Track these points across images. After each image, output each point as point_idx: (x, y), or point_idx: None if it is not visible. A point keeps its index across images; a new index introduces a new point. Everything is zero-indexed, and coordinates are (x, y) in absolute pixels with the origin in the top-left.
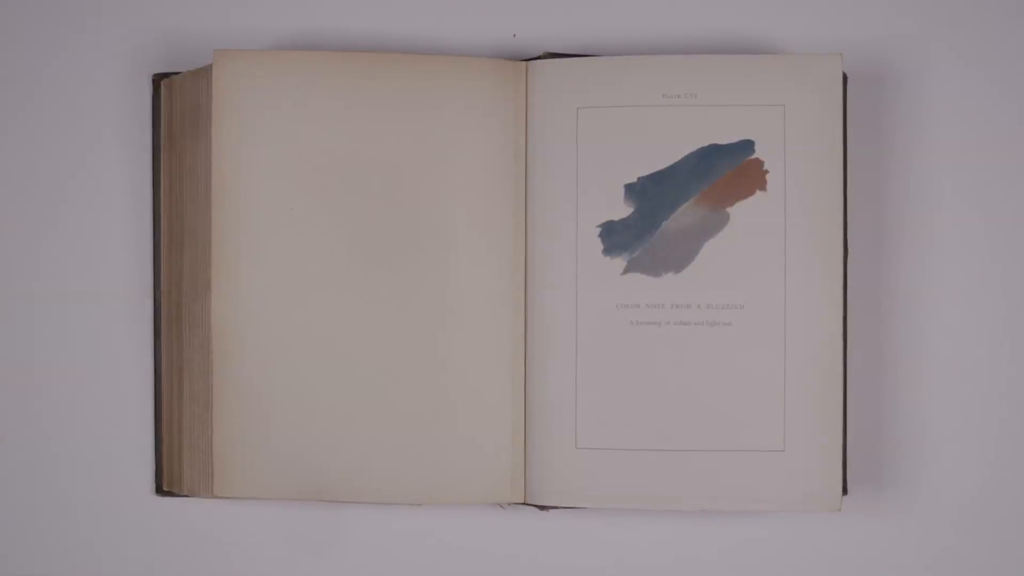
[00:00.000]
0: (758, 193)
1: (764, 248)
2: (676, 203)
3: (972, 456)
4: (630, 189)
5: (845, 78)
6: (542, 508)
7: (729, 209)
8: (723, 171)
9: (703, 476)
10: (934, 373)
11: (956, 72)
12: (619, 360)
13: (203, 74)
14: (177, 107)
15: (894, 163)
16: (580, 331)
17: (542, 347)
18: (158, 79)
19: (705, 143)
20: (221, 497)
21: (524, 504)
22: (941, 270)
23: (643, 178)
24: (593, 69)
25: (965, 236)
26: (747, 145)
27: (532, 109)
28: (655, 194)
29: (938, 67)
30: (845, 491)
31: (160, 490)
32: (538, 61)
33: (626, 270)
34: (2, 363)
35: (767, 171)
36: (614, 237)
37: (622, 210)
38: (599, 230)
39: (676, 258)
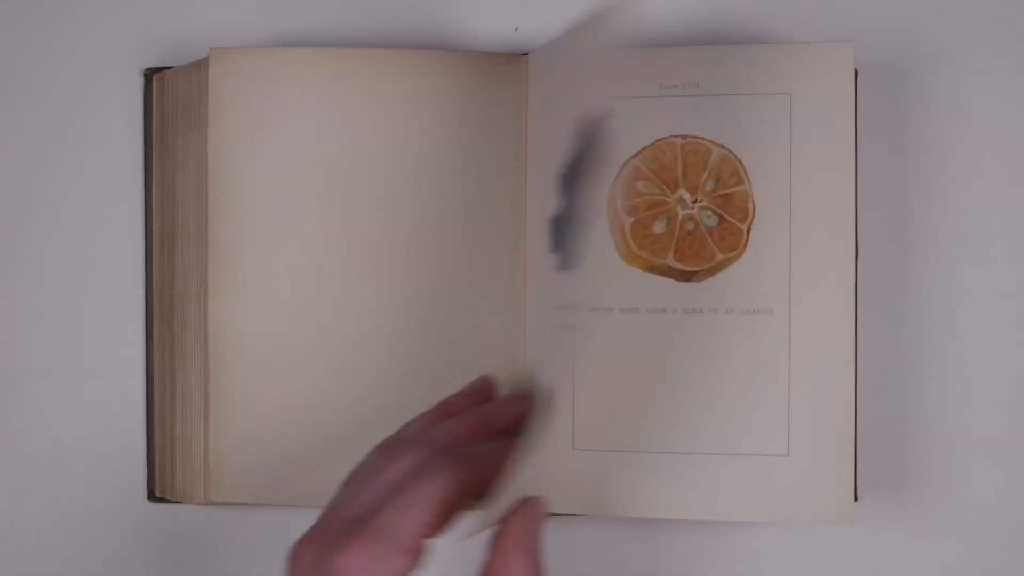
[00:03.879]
0: None
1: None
2: None
3: (989, 462)
4: None
5: (855, 72)
6: None
7: None
8: None
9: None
10: (949, 377)
11: (972, 64)
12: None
13: (196, 69)
14: (169, 102)
15: (906, 159)
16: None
17: (540, 345)
18: (150, 74)
19: None
20: (216, 503)
21: None
22: (956, 270)
23: None
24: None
25: (983, 235)
26: None
27: (533, 103)
28: None
29: (954, 59)
30: (856, 499)
31: (152, 496)
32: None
33: None
34: None
35: None
36: None
37: None
38: None
39: None
